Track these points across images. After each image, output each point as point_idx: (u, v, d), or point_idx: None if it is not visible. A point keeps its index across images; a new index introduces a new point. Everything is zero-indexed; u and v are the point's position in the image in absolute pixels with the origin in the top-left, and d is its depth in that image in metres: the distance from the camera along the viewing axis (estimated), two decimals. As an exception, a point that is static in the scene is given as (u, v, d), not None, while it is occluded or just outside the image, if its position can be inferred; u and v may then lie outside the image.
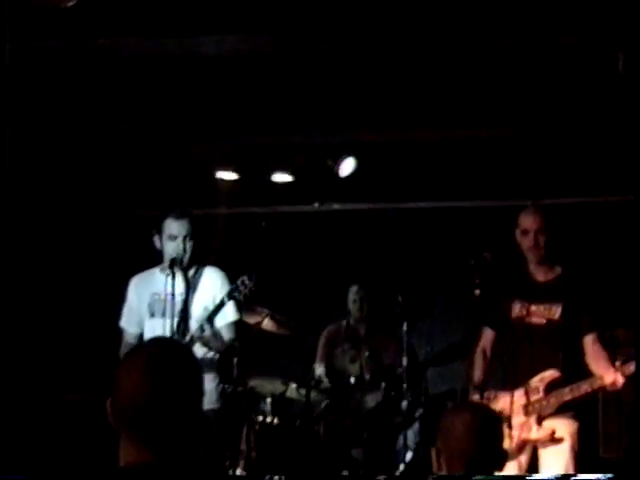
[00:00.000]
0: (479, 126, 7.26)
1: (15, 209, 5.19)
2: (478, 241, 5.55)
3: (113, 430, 2.46)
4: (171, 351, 2.51)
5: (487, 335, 5.59)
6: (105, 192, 8.27)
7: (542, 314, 5.34)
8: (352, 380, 7.19)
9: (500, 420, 3.65)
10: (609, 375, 5.04)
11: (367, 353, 7.29)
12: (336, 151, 7.89)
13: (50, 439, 7.44)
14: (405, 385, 6.66)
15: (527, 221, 5.40)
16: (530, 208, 5.47)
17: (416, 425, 6.89)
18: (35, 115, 6.03)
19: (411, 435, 6.85)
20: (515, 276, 5.39)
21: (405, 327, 6.75)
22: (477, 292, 5.24)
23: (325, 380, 7.25)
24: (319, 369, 7.59)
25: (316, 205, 8.86)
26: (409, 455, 6.71)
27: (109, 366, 5.88)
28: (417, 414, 6.88)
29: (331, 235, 8.72)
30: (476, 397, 5.34)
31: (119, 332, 5.98)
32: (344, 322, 7.88)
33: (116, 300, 6.02)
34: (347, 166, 7.89)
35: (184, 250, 5.67)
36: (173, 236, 5.68)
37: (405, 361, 6.70)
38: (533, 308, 5.36)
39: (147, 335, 5.78)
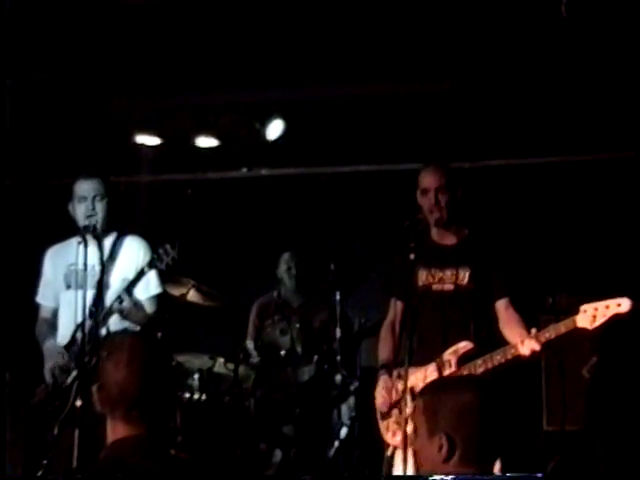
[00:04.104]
0: (412, 80, 6.98)
1: None
2: (413, 205, 5.20)
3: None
4: (147, 343, 3.15)
5: (395, 307, 5.28)
6: (16, 158, 7.81)
7: (450, 280, 5.06)
8: (282, 353, 6.89)
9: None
10: (523, 343, 4.76)
11: (298, 325, 7.01)
12: (263, 112, 7.54)
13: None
14: (339, 357, 6.48)
15: (426, 180, 5.08)
16: (430, 167, 5.15)
17: (351, 399, 6.68)
18: None
19: (346, 410, 6.68)
20: (418, 241, 5.03)
21: (338, 297, 6.56)
22: (412, 256, 4.90)
23: (254, 354, 6.97)
24: (250, 343, 7.29)
25: (244, 170, 8.57)
26: (344, 431, 6.52)
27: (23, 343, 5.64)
28: (352, 388, 6.66)
29: (260, 202, 8.47)
30: (384, 376, 5.10)
31: (34, 308, 5.67)
32: (275, 293, 7.56)
33: (30, 275, 5.71)
34: (275, 128, 7.57)
35: (94, 209, 5.32)
36: (83, 197, 5.36)
37: (339, 332, 6.52)
38: (440, 274, 5.08)
39: (62, 308, 5.48)
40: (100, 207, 5.34)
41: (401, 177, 7.99)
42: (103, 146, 7.59)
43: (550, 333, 4.73)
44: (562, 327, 4.70)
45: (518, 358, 4.80)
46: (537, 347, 4.72)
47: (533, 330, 4.77)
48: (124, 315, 5.28)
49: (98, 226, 5.31)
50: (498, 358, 4.81)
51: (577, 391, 6.76)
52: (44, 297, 5.62)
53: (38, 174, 8.15)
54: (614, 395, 6.62)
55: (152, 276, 5.39)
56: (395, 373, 5.04)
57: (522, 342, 4.75)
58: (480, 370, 4.83)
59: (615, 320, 4.59)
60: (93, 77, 6.67)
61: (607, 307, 4.59)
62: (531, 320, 4.98)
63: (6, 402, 5.15)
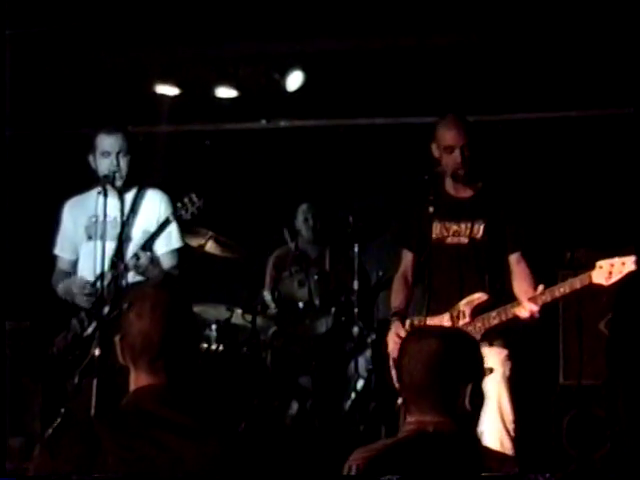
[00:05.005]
0: (429, 34, 6.90)
1: None
2: (430, 158, 5.16)
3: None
4: (169, 292, 3.08)
5: (407, 258, 5.26)
6: (35, 109, 7.80)
7: (464, 233, 5.01)
8: (300, 305, 6.90)
9: (467, 343, 3.16)
10: (525, 303, 4.73)
11: (316, 277, 7.00)
12: (283, 63, 7.50)
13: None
14: (356, 310, 6.47)
15: (450, 137, 4.97)
16: (451, 122, 5.02)
17: (368, 352, 6.67)
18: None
19: (362, 362, 6.65)
20: (433, 194, 5.00)
21: (356, 249, 6.54)
22: (431, 209, 4.91)
23: (272, 305, 6.97)
24: (267, 294, 7.28)
25: (263, 122, 8.53)
26: (360, 383, 6.51)
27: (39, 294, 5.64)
28: (369, 340, 6.65)
29: (279, 153, 8.42)
30: (397, 323, 5.07)
31: (52, 259, 5.63)
32: (293, 244, 7.55)
33: (48, 226, 5.67)
34: (295, 79, 7.52)
35: (118, 166, 5.30)
36: (106, 152, 5.33)
37: (356, 285, 6.51)
38: (455, 227, 5.04)
39: (83, 260, 5.46)
40: (124, 163, 5.32)
41: (419, 130, 7.98)
42: (122, 96, 7.56)
43: (565, 288, 4.68)
44: (577, 282, 4.65)
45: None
46: (535, 308, 4.68)
47: (540, 287, 4.73)
48: (140, 272, 5.27)
49: (119, 182, 5.30)
50: (513, 311, 4.78)
51: (594, 345, 6.74)
52: (62, 249, 5.59)
53: (56, 124, 8.14)
54: (633, 350, 6.61)
55: (173, 229, 5.37)
56: (408, 322, 5.04)
57: (526, 301, 4.73)
58: (494, 322, 4.82)
59: (632, 276, 4.58)
60: (113, 26, 6.63)
61: (623, 264, 4.55)
62: (550, 275, 4.96)
63: (7, 405, 5.14)
